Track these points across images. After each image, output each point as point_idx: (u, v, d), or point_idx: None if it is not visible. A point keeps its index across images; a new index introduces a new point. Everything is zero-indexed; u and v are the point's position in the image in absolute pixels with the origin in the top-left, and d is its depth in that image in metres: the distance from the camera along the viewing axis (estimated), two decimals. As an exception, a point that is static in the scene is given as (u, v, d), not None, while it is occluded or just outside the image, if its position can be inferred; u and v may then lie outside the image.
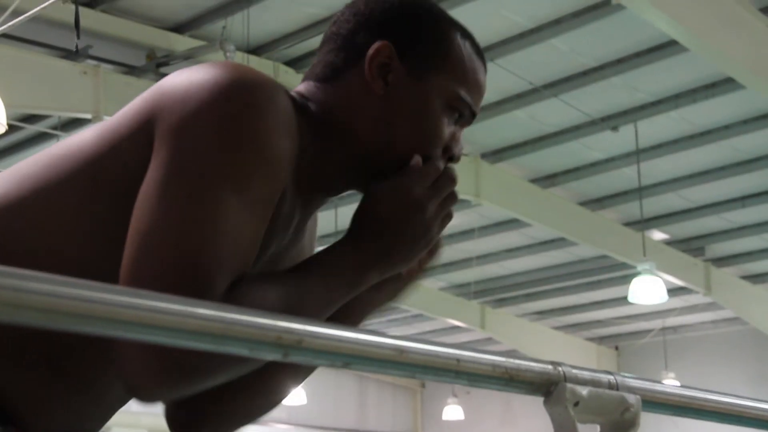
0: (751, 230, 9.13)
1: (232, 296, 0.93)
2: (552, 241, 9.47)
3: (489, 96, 6.90)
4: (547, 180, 8.26)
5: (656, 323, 11.79)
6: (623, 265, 9.62)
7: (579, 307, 11.43)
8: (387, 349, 0.71)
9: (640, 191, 8.02)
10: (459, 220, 8.99)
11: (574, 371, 0.85)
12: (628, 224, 9.03)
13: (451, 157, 1.16)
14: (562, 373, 0.84)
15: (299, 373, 1.18)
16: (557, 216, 8.42)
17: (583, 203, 8.66)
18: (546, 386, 0.83)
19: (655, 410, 0.91)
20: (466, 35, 1.18)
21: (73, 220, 1.02)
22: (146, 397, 0.93)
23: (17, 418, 1.00)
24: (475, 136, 7.57)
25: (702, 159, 7.72)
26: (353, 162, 1.11)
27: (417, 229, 1.09)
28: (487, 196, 7.77)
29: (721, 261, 9.94)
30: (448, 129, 1.14)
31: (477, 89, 1.16)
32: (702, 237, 9.49)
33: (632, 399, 0.87)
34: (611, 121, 7.21)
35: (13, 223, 1.02)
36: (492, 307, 11.44)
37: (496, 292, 11.10)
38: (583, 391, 0.84)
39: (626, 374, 0.90)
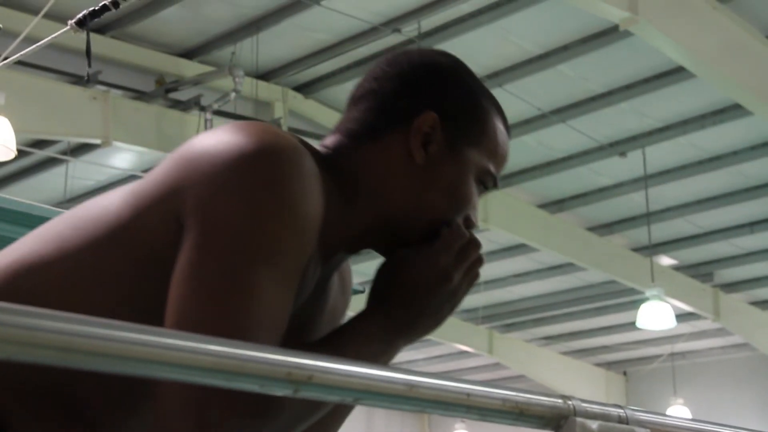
0: (759, 256, 9.11)
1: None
2: (560, 266, 9.46)
3: (497, 121, 6.91)
4: (555, 205, 8.27)
5: (665, 348, 11.73)
6: (631, 291, 9.59)
7: (587, 333, 11.39)
8: (397, 384, 0.71)
9: (648, 216, 8.02)
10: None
11: (584, 405, 0.85)
12: (636, 249, 9.02)
13: (469, 224, 1.17)
14: (572, 407, 0.84)
15: (343, 414, 1.19)
16: (565, 241, 8.42)
17: (591, 228, 8.66)
18: (556, 420, 0.83)
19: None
20: (498, 108, 1.20)
21: (97, 284, 1.03)
22: None
23: None
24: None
25: (710, 185, 7.72)
26: (378, 224, 1.12)
27: (444, 297, 1.12)
28: (495, 221, 7.77)
29: (729, 287, 9.91)
30: (474, 200, 1.16)
31: (503, 162, 1.19)
32: (710, 263, 9.47)
33: (642, 433, 0.87)
34: (619, 146, 7.22)
35: (39, 282, 1.04)
36: (500, 332, 11.40)
37: (504, 317, 11.07)
38: (593, 425, 0.84)
39: (635, 408, 0.90)
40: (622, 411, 0.88)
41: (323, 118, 7.09)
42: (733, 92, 5.95)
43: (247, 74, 6.40)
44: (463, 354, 11.68)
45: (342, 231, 1.10)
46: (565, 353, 12.04)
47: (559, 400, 0.84)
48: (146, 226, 1.02)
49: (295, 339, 1.04)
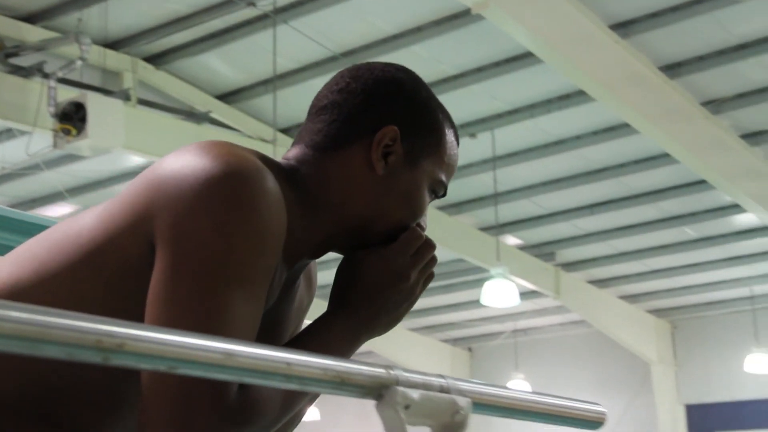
0: (598, 237, 9.50)
1: (245, 391, 1.03)
2: (410, 244, 9.58)
3: (351, 99, 6.93)
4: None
5: (508, 325, 12.12)
6: (478, 269, 9.84)
7: (434, 310, 11.62)
8: (214, 352, 0.70)
9: (495, 197, 8.23)
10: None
11: (407, 375, 0.86)
12: (483, 229, 9.25)
13: (420, 228, 1.27)
14: (394, 376, 0.84)
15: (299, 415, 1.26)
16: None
17: (441, 207, 8.81)
18: (378, 389, 0.83)
19: (485, 412, 0.93)
20: (451, 121, 1.30)
21: (75, 309, 1.03)
22: None
23: None
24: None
25: (555, 167, 7.98)
26: (339, 231, 1.21)
27: (403, 296, 1.22)
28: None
29: (570, 266, 10.31)
30: (425, 209, 1.27)
31: (453, 172, 1.30)
32: (553, 243, 9.81)
33: (462, 402, 0.89)
34: (469, 128, 7.36)
35: None
36: (351, 309, 11.44)
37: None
38: (415, 394, 0.85)
39: (457, 378, 0.91)
40: (444, 380, 0.90)
41: (174, 90, 6.92)
42: (577, 79, 6.16)
43: (96, 42, 6.16)
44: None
45: (305, 239, 1.18)
46: (412, 329, 12.25)
47: (382, 370, 0.84)
48: (119, 250, 1.07)
49: (265, 338, 1.15)
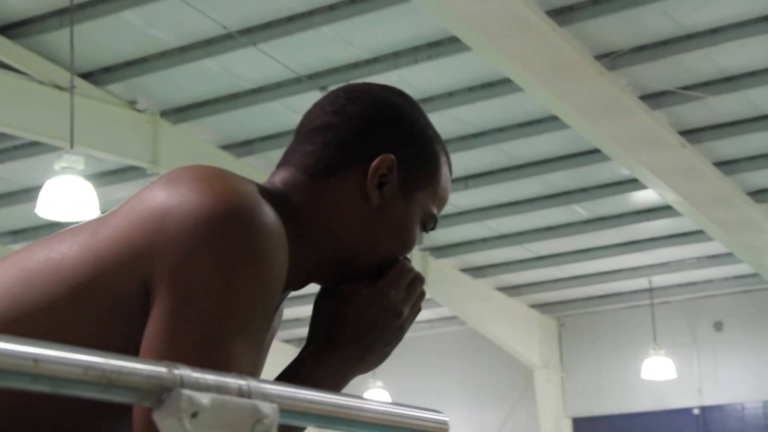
0: (472, 215, 9.68)
1: None
2: (246, 221, 9.54)
3: (173, 40, 6.82)
4: (242, 147, 8.31)
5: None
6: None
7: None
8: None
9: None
10: (131, 192, 8.81)
11: (195, 375, 0.84)
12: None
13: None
14: (178, 376, 0.83)
15: None
16: (252, 191, 8.50)
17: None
18: (157, 393, 0.82)
19: (296, 420, 0.92)
20: (446, 152, 1.46)
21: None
22: None
23: None
24: (153, 88, 7.46)
25: (422, 130, 8.07)
26: (326, 262, 1.36)
27: (393, 332, 1.38)
28: (166, 163, 7.68)
29: (439, 250, 10.48)
30: (416, 242, 1.43)
31: (446, 202, 1.46)
32: (420, 222, 9.94)
33: (267, 408, 0.88)
34: (320, 79, 7.36)
35: None
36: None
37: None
38: (205, 399, 0.84)
39: (262, 379, 0.91)
40: (243, 382, 0.89)
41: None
42: (451, 25, 6.24)
43: None
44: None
45: (293, 265, 1.29)
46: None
47: (162, 368, 0.82)
48: (108, 287, 1.19)
49: None
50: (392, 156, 1.37)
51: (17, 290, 1.22)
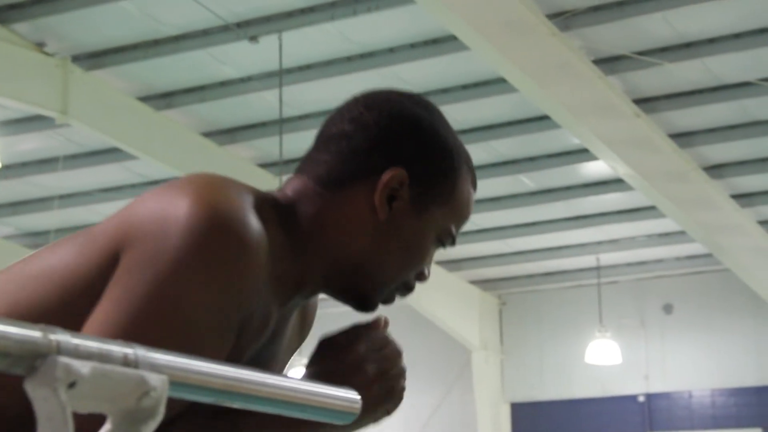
0: (412, 183, 9.70)
1: None
2: (165, 181, 9.43)
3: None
4: (162, 99, 8.21)
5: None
6: (255, 218, 9.83)
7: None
8: None
9: (281, 123, 8.21)
10: (37, 144, 8.71)
11: (75, 341, 0.82)
12: (264, 165, 9.24)
13: (421, 277, 1.51)
14: (54, 342, 0.80)
15: None
16: (173, 148, 8.42)
17: (209, 134, 8.72)
18: (30, 359, 0.79)
19: (187, 394, 0.90)
20: (470, 167, 1.52)
21: None
22: None
23: None
24: (65, 30, 7.33)
25: (356, 86, 7.96)
26: (333, 275, 1.44)
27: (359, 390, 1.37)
28: (77, 113, 7.57)
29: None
30: (430, 259, 1.50)
31: (466, 220, 1.53)
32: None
33: (155, 380, 0.86)
34: (249, 28, 7.30)
35: None
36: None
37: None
38: (85, 368, 0.81)
39: (153, 348, 0.88)
40: (130, 351, 0.86)
41: None
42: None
43: None
44: None
45: (296, 276, 1.41)
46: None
47: (37, 333, 0.80)
48: (89, 289, 1.30)
49: None
50: (403, 170, 1.43)
51: (16, 293, 1.34)
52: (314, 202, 1.44)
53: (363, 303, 1.49)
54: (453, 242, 1.52)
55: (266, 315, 1.39)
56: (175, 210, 1.29)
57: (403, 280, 1.48)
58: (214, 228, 1.28)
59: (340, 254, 1.43)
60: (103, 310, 1.27)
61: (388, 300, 1.51)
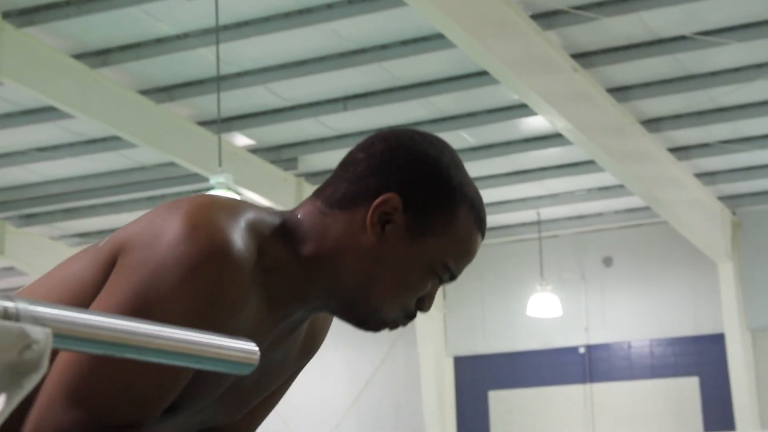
0: (352, 139, 9.66)
1: None
2: (102, 140, 9.37)
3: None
4: (97, 57, 8.11)
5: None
6: (195, 176, 9.78)
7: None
8: None
9: (218, 81, 8.13)
10: (-28, 104, 8.57)
11: (-49, 294, 0.80)
12: (203, 123, 9.17)
13: (420, 307, 1.57)
14: (-73, 295, 0.79)
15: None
16: (109, 106, 8.33)
17: (145, 92, 8.64)
18: None
19: (74, 346, 0.89)
20: (474, 205, 1.57)
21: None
22: None
23: None
24: (-4, -12, 7.20)
25: (299, 45, 7.98)
26: (329, 294, 1.53)
27: None
28: (10, 72, 7.47)
29: (316, 177, 10.45)
30: (423, 289, 1.55)
31: (466, 259, 1.57)
32: (295, 145, 9.90)
33: (37, 333, 0.84)
34: (184, -16, 7.22)
35: None
36: (16, 226, 11.12)
37: (23, 206, 10.80)
38: (-40, 322, 0.80)
39: (35, 300, 0.87)
40: (11, 304, 0.85)
41: None
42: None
43: None
44: (-35, 254, 11.27)
45: (296, 289, 1.52)
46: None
47: None
48: (98, 293, 1.44)
49: (253, 387, 1.58)
50: (396, 195, 1.52)
51: (43, 297, 1.46)
52: (318, 220, 1.54)
53: (360, 323, 1.57)
54: (451, 277, 1.57)
55: (256, 324, 1.48)
56: (166, 225, 1.42)
57: (400, 306, 1.55)
58: (195, 242, 1.39)
59: (336, 273, 1.52)
60: (95, 305, 1.41)
61: (392, 325, 1.58)
